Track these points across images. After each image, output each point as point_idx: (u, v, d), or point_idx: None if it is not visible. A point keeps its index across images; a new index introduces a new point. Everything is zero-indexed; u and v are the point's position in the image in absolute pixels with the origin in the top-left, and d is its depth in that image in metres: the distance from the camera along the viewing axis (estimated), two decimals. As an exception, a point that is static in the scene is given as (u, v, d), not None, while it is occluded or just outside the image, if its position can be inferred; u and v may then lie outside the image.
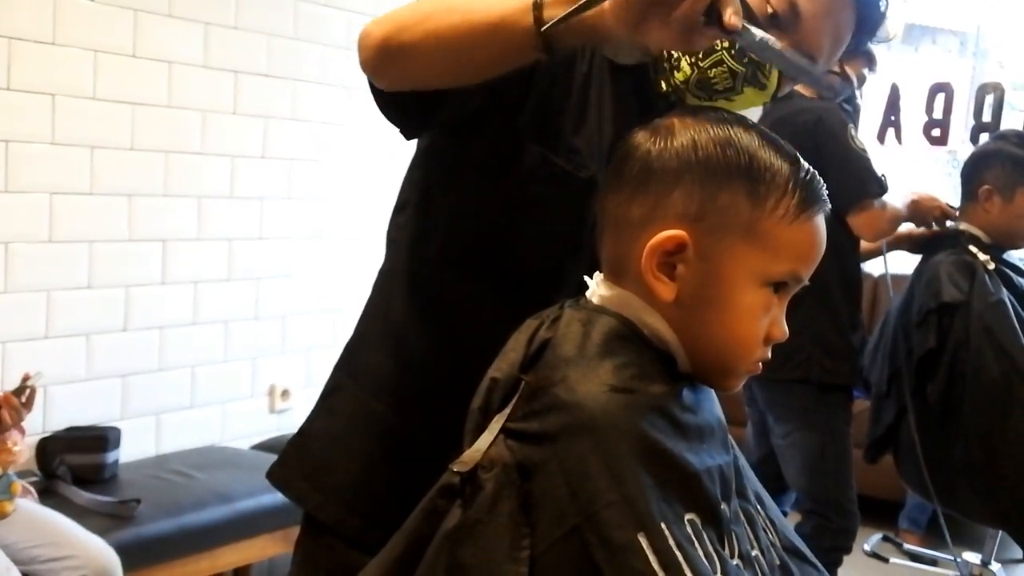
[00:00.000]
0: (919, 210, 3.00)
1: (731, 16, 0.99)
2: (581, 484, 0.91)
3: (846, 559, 3.04)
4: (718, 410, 1.09)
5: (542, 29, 1.02)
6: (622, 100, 1.30)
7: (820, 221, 1.05)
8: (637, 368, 0.98)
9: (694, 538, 0.92)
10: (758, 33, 1.03)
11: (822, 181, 1.05)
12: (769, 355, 1.06)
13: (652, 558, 0.87)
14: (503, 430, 0.98)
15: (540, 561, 0.90)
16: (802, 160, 1.05)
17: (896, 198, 2.97)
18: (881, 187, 2.86)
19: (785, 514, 3.25)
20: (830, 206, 1.06)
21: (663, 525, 0.89)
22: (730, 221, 1.00)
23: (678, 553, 0.89)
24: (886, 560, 3.24)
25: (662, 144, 1.03)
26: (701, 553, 0.91)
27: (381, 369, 1.37)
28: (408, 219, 1.37)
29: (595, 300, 1.07)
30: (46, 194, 3.11)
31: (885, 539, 3.40)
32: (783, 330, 1.06)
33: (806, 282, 1.06)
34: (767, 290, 1.03)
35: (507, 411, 0.99)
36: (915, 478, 2.97)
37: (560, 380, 0.97)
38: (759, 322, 1.03)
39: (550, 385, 0.97)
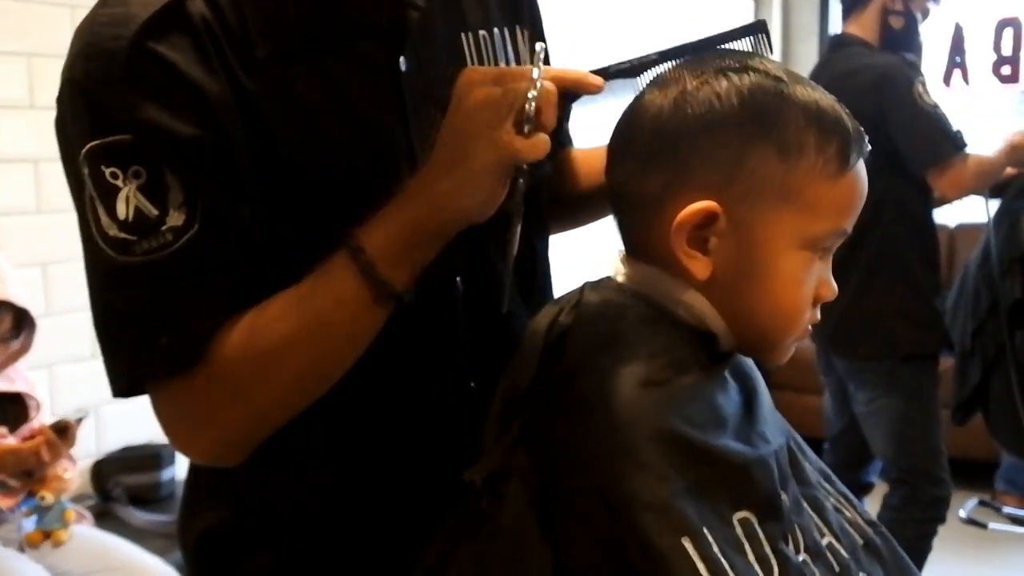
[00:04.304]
0: (1020, 154, 2.80)
1: (593, 82, 0.91)
2: (613, 489, 0.81)
3: (941, 528, 2.87)
4: (764, 388, 0.97)
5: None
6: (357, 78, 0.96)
7: (861, 166, 0.92)
8: (669, 355, 0.88)
9: (745, 540, 0.81)
10: (617, 64, 0.95)
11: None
12: (819, 316, 0.95)
13: (701, 566, 0.77)
14: (523, 433, 0.88)
15: (571, 571, 0.82)
16: (832, 99, 0.92)
17: (984, 148, 2.79)
18: (956, 145, 2.69)
19: (871, 485, 3.10)
20: (870, 148, 0.93)
21: (706, 530, 0.79)
22: (762, 184, 0.89)
23: (724, 561, 0.78)
24: (985, 526, 3.06)
25: (673, 104, 0.91)
26: (753, 558, 0.81)
27: None
28: None
29: (619, 279, 0.96)
30: (81, 212, 3.04)
31: (982, 504, 3.22)
32: (832, 288, 0.95)
33: (848, 232, 0.94)
34: (809, 251, 0.91)
35: (527, 413, 0.89)
36: (1009, 437, 2.82)
37: (584, 375, 0.87)
38: (805, 287, 0.92)
39: (573, 382, 0.87)
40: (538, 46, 0.88)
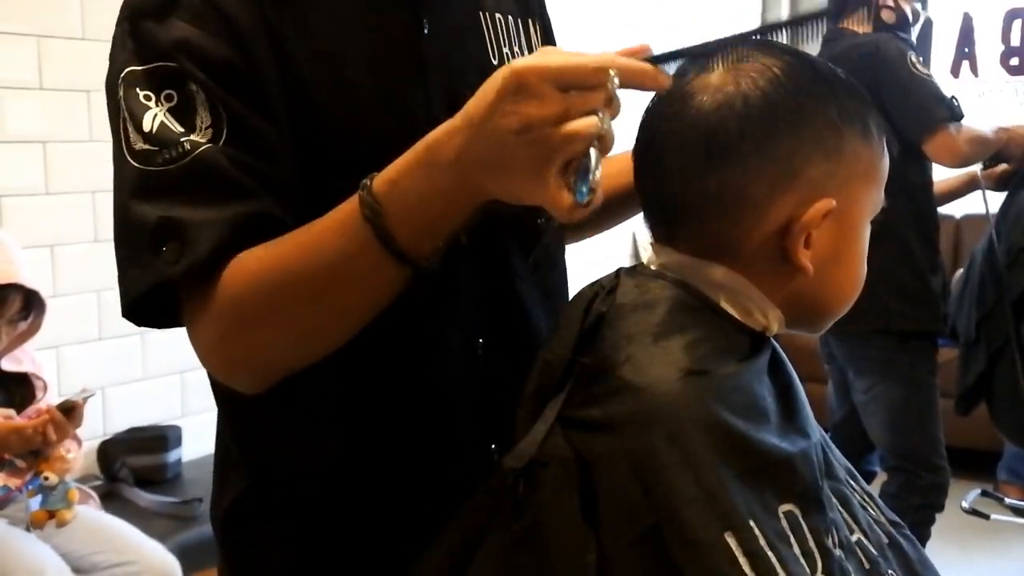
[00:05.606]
0: (1019, 143, 2.81)
1: (662, 83, 0.81)
2: (656, 480, 0.80)
3: (943, 518, 2.88)
4: (797, 378, 0.95)
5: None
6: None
7: None
8: (710, 344, 0.86)
9: (790, 533, 0.80)
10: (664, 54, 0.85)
11: None
12: None
13: (743, 560, 0.76)
14: (560, 419, 0.87)
15: (611, 565, 0.80)
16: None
17: (981, 126, 2.81)
18: (951, 110, 2.70)
19: (874, 473, 3.11)
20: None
21: (752, 523, 0.78)
22: (855, 169, 0.91)
23: (771, 554, 0.77)
24: (987, 516, 3.04)
25: (756, 94, 0.88)
26: (798, 551, 0.79)
27: None
28: None
29: (654, 267, 0.95)
30: (88, 193, 3.01)
31: (984, 494, 3.21)
32: None
33: None
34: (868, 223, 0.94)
35: (563, 396, 0.88)
36: (1014, 427, 2.81)
37: (624, 361, 0.85)
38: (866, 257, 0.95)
39: (613, 367, 0.85)
40: (611, 71, 0.76)
